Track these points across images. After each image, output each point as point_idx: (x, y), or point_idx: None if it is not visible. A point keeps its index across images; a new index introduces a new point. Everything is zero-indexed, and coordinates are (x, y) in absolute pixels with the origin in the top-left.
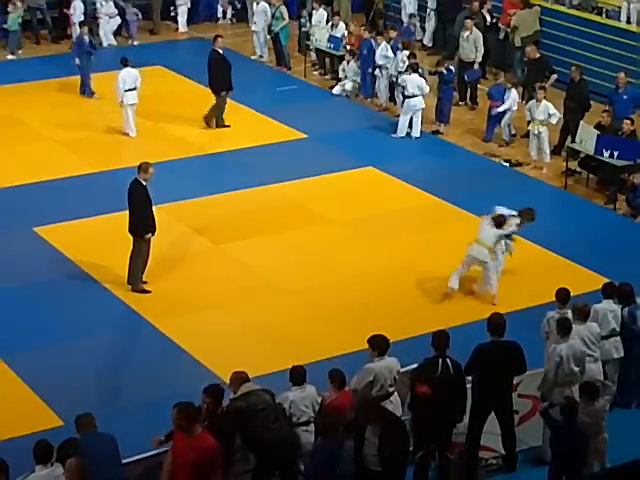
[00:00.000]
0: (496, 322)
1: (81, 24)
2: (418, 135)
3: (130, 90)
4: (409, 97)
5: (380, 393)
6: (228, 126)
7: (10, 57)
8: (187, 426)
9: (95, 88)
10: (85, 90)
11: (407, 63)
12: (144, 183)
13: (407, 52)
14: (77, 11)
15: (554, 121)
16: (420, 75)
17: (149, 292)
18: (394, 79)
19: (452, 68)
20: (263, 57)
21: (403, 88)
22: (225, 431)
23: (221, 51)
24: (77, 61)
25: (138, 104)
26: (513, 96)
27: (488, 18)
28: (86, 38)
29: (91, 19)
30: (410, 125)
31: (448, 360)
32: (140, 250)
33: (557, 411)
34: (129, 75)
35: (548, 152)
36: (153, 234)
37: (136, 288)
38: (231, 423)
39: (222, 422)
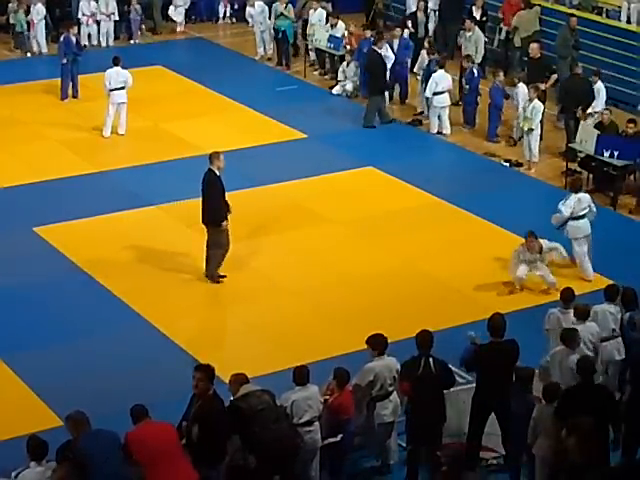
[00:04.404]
0: (496, 323)
1: (69, 25)
2: (449, 132)
3: (117, 89)
4: (437, 94)
5: (380, 392)
6: (391, 121)
7: (29, 55)
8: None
9: (94, 88)
10: (66, 93)
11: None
12: (218, 172)
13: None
14: (39, 15)
15: (535, 123)
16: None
17: (225, 276)
18: (417, 77)
19: (475, 71)
20: (268, 55)
21: (436, 85)
22: (216, 412)
23: (381, 52)
24: (64, 61)
25: (138, 104)
26: (522, 91)
27: (477, 16)
28: (73, 39)
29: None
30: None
31: (431, 359)
32: (218, 240)
33: None
34: (116, 74)
35: (536, 152)
36: (226, 219)
37: (213, 279)
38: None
39: (214, 404)
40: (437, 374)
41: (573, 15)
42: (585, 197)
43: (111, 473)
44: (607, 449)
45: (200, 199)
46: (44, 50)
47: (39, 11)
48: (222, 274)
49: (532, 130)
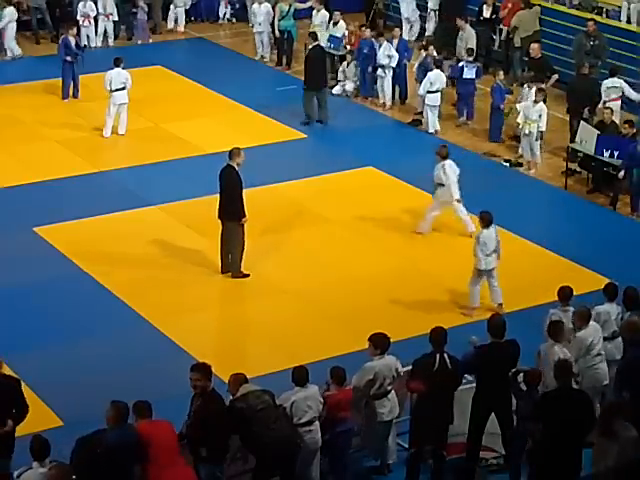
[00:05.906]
0: (496, 323)
1: (68, 26)
2: (432, 130)
3: (118, 90)
4: (432, 92)
5: (379, 392)
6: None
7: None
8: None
9: (94, 88)
10: (67, 93)
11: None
12: (237, 168)
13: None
14: (4, 21)
15: (542, 125)
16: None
17: (248, 275)
18: (417, 78)
19: (465, 67)
20: (265, 57)
21: (431, 84)
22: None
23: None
24: (68, 58)
25: (138, 104)
26: (530, 92)
27: (487, 14)
28: (72, 41)
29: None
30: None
31: (446, 355)
32: (237, 235)
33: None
34: (117, 75)
35: (538, 153)
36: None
37: (236, 274)
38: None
39: (213, 401)
40: (452, 370)
41: (592, 19)
42: (454, 164)
43: (128, 473)
44: (580, 455)
45: (218, 194)
46: (17, 53)
47: (8, 13)
48: (246, 272)
49: (541, 132)
